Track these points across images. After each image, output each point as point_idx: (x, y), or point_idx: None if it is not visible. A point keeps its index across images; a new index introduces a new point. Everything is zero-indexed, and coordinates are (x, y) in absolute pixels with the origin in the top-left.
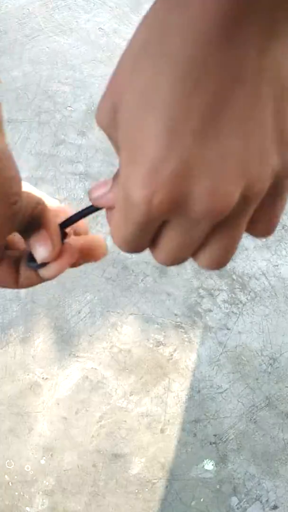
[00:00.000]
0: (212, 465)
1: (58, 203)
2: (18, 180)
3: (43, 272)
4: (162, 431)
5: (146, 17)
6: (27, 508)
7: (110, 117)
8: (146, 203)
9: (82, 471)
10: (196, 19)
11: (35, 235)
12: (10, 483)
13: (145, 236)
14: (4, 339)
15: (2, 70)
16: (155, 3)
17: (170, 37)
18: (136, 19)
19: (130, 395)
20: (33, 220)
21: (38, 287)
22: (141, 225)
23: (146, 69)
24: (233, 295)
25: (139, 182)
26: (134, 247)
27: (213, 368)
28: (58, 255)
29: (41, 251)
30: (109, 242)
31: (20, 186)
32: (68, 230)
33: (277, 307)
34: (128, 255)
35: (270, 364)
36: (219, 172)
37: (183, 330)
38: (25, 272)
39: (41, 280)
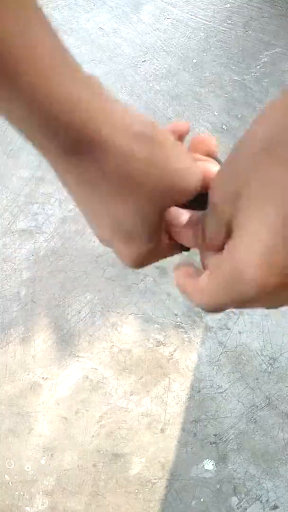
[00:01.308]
0: (212, 465)
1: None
2: (193, 172)
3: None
4: (162, 431)
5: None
6: (27, 508)
7: (231, 198)
8: (261, 284)
9: (82, 471)
10: None
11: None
12: (10, 483)
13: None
14: (4, 339)
15: None
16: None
17: None
18: (136, 19)
19: (130, 395)
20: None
21: (38, 287)
22: (246, 298)
23: (276, 165)
24: None
25: (256, 264)
26: (221, 310)
27: (213, 368)
28: None
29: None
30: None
31: (198, 177)
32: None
33: None
34: None
35: (270, 364)
36: None
37: (183, 330)
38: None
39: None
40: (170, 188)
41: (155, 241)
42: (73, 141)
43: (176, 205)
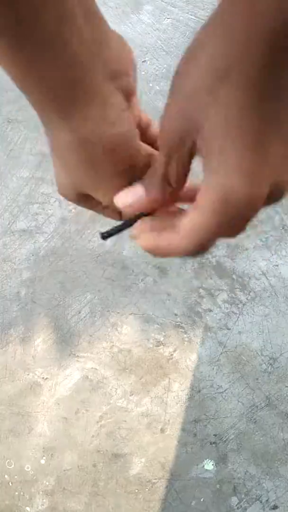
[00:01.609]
0: (212, 465)
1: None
2: (137, 145)
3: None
4: (162, 431)
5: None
6: (27, 508)
7: (190, 134)
8: (254, 198)
9: (82, 471)
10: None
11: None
12: (10, 483)
13: (231, 230)
14: (4, 339)
15: (2, 71)
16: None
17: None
18: (136, 19)
19: (130, 395)
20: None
21: (38, 287)
22: (236, 217)
23: (231, 89)
24: (233, 295)
25: (244, 182)
26: (207, 247)
27: (213, 368)
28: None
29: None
30: (109, 242)
31: (138, 153)
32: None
33: (277, 307)
34: (128, 255)
35: (270, 364)
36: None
37: (183, 330)
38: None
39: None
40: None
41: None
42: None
43: None
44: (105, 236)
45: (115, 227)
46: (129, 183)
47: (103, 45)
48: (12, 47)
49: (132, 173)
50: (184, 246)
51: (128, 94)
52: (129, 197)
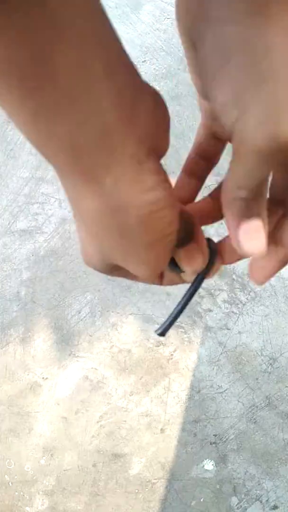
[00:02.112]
0: (212, 465)
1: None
2: (174, 219)
3: (186, 277)
4: (162, 431)
5: None
6: (27, 508)
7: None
8: None
9: (82, 471)
10: None
11: (187, 247)
12: (10, 483)
13: None
14: (4, 339)
15: None
16: None
17: None
18: (136, 19)
19: (130, 395)
20: (184, 234)
21: (38, 287)
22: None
23: None
24: (233, 295)
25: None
26: None
27: (213, 368)
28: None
29: (192, 264)
30: None
31: (176, 219)
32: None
33: (277, 307)
34: None
35: (270, 364)
36: None
37: (183, 330)
38: (168, 274)
39: (183, 281)
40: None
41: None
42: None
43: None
44: (163, 332)
45: (170, 318)
46: (166, 253)
47: (137, 104)
48: (38, 111)
49: (171, 242)
50: None
51: (160, 157)
52: (200, 260)
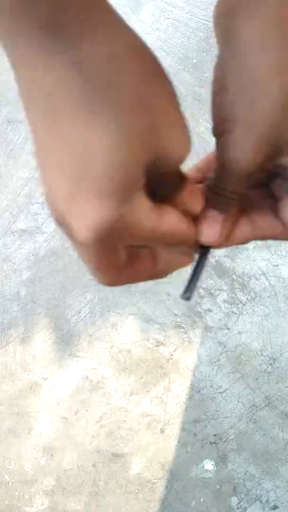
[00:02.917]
0: (212, 465)
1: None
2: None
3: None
4: (162, 431)
5: None
6: (27, 508)
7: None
8: None
9: (82, 471)
10: None
11: (185, 189)
12: (10, 483)
13: None
14: (4, 339)
15: (2, 70)
16: None
17: None
18: (136, 19)
19: (130, 395)
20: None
21: (38, 287)
22: None
23: None
24: (233, 295)
25: None
26: None
27: (213, 368)
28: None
29: (198, 201)
30: None
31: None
32: None
33: (277, 307)
34: None
35: (270, 364)
36: None
37: (183, 330)
38: (164, 255)
39: (181, 263)
40: (159, 131)
41: (130, 208)
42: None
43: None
44: (189, 296)
45: (191, 277)
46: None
47: None
48: None
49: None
50: None
51: None
52: (216, 229)
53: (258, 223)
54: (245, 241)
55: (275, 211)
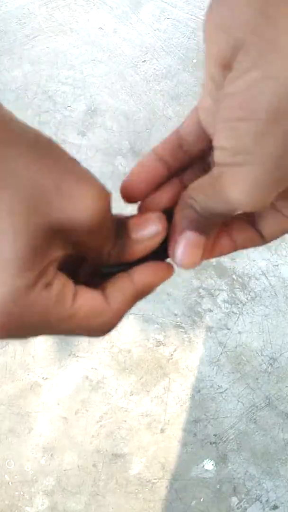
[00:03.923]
0: (212, 465)
1: None
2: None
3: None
4: (162, 431)
5: None
6: (27, 508)
7: None
8: None
9: (82, 471)
10: None
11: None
12: (10, 483)
13: None
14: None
15: (2, 70)
16: None
17: None
18: (136, 19)
19: (130, 395)
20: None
21: None
22: None
23: None
24: (233, 295)
25: None
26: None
27: (213, 368)
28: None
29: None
30: None
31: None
32: None
33: (277, 307)
34: None
35: (270, 364)
36: None
37: (183, 330)
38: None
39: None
40: (53, 201)
41: (34, 278)
42: None
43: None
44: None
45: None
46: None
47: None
48: None
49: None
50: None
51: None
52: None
53: (236, 235)
54: (222, 255)
55: (252, 222)
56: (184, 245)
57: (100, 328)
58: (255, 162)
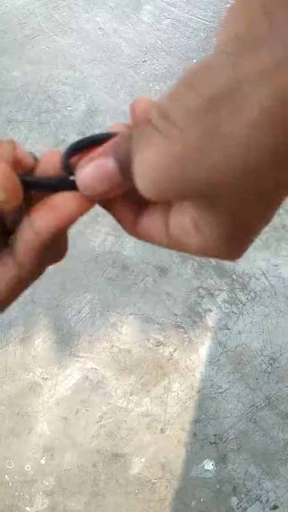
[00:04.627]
0: (212, 465)
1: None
2: None
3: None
4: (162, 431)
5: None
6: (27, 508)
7: None
8: None
9: (82, 471)
10: None
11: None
12: (10, 483)
13: None
14: (4, 339)
15: (2, 70)
16: None
17: None
18: (136, 19)
19: (130, 395)
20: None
21: (38, 287)
22: None
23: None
24: (233, 295)
25: None
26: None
27: (213, 368)
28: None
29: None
30: (109, 242)
31: None
32: None
33: (277, 307)
34: (128, 255)
35: (270, 364)
36: None
37: (183, 330)
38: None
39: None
40: None
41: None
42: None
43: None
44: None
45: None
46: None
47: None
48: None
49: None
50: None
51: None
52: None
53: (144, 224)
54: (150, 239)
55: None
56: (95, 166)
57: None
58: (174, 137)
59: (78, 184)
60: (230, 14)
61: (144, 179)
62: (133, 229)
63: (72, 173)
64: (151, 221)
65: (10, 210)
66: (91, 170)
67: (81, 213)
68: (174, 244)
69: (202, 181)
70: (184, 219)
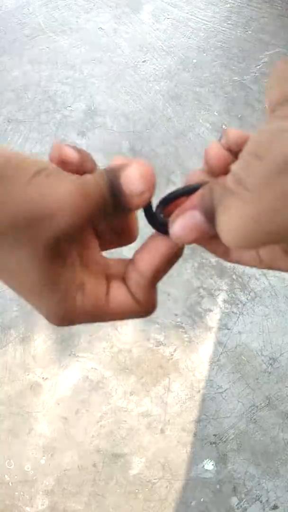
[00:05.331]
0: (212, 465)
1: None
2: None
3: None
4: (162, 431)
5: None
6: (27, 508)
7: None
8: None
9: (82, 471)
10: None
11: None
12: (10, 483)
13: None
14: (4, 339)
15: (2, 70)
16: None
17: None
18: (136, 19)
19: (130, 395)
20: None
21: None
22: None
23: None
24: (233, 295)
25: None
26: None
27: (213, 368)
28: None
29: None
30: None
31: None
32: None
33: (277, 307)
34: (128, 255)
35: (270, 364)
36: None
37: (183, 330)
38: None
39: None
40: (30, 216)
41: (66, 289)
42: None
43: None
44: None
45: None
46: None
47: None
48: None
49: None
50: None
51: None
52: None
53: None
54: (242, 263)
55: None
56: (185, 219)
57: (137, 317)
58: (249, 201)
59: (171, 236)
60: (276, 74)
61: (227, 237)
62: (226, 257)
63: (165, 224)
64: (241, 250)
65: (141, 203)
66: (183, 223)
67: (178, 255)
68: (266, 267)
69: (279, 233)
70: (273, 247)
